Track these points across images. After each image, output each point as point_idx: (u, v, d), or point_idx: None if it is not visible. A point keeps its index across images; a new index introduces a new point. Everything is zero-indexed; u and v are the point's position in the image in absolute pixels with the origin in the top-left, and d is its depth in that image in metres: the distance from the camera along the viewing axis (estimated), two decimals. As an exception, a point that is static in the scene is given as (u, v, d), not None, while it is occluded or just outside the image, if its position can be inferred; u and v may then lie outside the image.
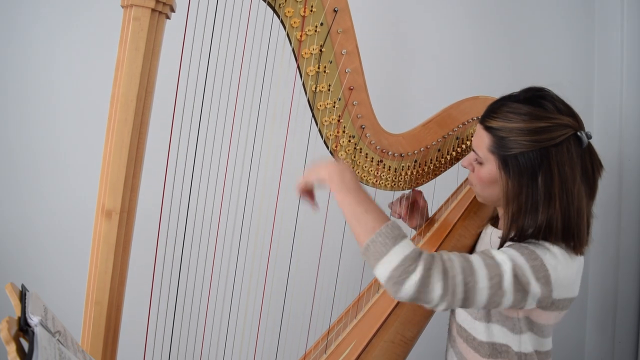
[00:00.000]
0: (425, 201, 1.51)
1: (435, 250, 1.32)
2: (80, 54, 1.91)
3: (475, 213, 1.41)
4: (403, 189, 1.45)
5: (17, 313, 0.74)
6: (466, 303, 0.96)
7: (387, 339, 1.23)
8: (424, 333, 1.28)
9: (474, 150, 1.14)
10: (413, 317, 1.26)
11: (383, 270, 0.94)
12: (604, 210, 2.27)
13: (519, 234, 1.06)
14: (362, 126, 1.30)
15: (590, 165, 1.07)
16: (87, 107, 1.90)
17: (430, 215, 1.56)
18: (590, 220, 1.10)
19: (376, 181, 1.40)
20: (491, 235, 1.27)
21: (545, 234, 1.04)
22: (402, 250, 0.94)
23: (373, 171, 1.38)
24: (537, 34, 2.20)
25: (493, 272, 0.96)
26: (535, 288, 0.98)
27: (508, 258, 0.99)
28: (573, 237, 1.05)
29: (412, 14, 2.11)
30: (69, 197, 1.95)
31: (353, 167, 1.35)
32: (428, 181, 1.47)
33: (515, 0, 2.18)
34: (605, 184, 2.20)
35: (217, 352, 1.39)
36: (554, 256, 1.01)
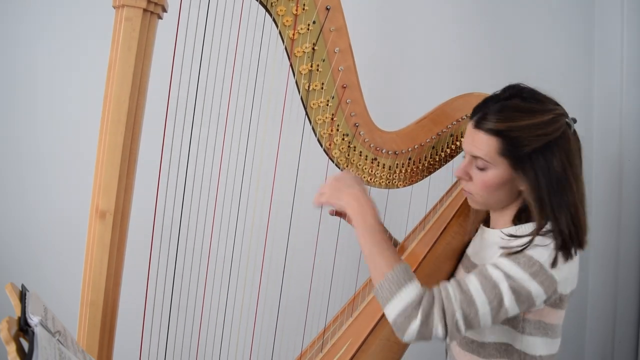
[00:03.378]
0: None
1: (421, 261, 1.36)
2: (72, 54, 1.94)
3: (467, 216, 1.45)
4: (398, 187, 1.48)
5: (17, 313, 0.76)
6: (472, 329, 1.03)
7: (383, 337, 1.26)
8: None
9: (475, 156, 1.14)
10: None
11: (388, 313, 1.03)
12: (604, 210, 2.31)
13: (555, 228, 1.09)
14: (355, 124, 1.34)
15: (578, 147, 1.14)
16: (79, 107, 1.93)
17: (421, 218, 1.60)
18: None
19: (370, 179, 1.43)
20: (494, 236, 1.26)
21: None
22: (405, 296, 1.01)
23: (367, 169, 1.41)
24: (536, 33, 2.24)
25: (492, 295, 1.02)
26: (537, 291, 1.03)
27: (503, 275, 1.04)
28: (582, 227, 1.10)
29: (405, 12, 2.14)
30: (62, 198, 1.98)
31: (347, 165, 1.39)
32: (422, 179, 1.51)
33: (514, -2, 2.22)
34: (605, 184, 2.27)
35: (213, 352, 1.42)
36: (552, 254, 1.05)
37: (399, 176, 1.46)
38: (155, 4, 1.05)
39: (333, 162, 1.38)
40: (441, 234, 1.42)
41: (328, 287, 1.48)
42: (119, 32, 1.04)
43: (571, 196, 1.08)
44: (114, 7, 1.05)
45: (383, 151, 1.40)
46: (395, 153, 1.41)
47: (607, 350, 2.35)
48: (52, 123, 1.97)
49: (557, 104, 1.14)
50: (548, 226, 1.10)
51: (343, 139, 1.35)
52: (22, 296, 0.81)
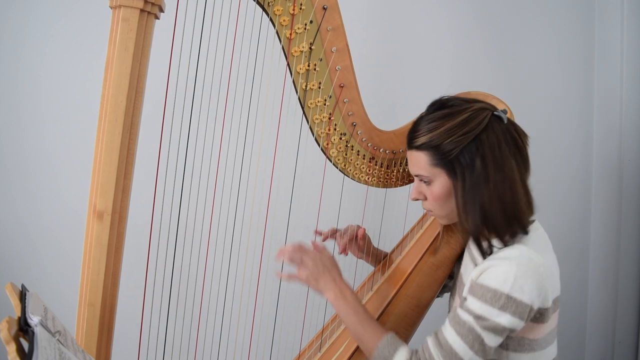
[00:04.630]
0: (365, 238, 1.52)
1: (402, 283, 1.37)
2: (70, 55, 1.95)
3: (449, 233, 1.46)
4: (395, 186, 1.50)
5: (17, 313, 0.77)
6: None
7: None
8: (418, 330, 1.33)
9: (417, 176, 1.18)
10: (406, 315, 1.31)
11: None
12: (604, 210, 2.33)
13: (486, 238, 1.12)
14: (353, 123, 1.35)
15: (517, 135, 1.14)
16: (77, 108, 1.95)
17: (419, 218, 1.61)
18: (529, 189, 1.16)
19: (368, 178, 1.45)
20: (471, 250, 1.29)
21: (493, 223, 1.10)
22: None
23: (365, 168, 1.43)
24: (536, 33, 2.26)
25: (470, 340, 1.05)
26: (511, 321, 1.04)
27: (474, 319, 1.06)
28: (514, 217, 1.11)
29: (404, 11, 2.15)
30: (61, 199, 2.00)
31: (345, 165, 1.40)
32: (420, 178, 1.52)
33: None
34: (605, 184, 2.30)
35: (212, 352, 1.43)
36: (517, 277, 1.04)
37: (396, 175, 1.47)
38: (152, 4, 1.06)
39: (331, 161, 1.40)
40: (438, 234, 1.44)
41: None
42: (116, 33, 1.05)
43: (487, 192, 1.09)
44: (111, 8, 1.07)
45: (381, 150, 1.41)
46: (393, 152, 1.42)
47: (607, 350, 2.37)
48: (50, 123, 1.98)
49: (477, 101, 1.16)
50: (495, 242, 1.13)
51: (340, 138, 1.36)
52: (22, 296, 0.82)
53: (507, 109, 1.17)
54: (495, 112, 1.13)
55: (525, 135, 1.17)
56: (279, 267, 1.42)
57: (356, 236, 1.50)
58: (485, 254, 1.13)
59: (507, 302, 1.03)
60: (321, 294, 1.20)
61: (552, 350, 1.21)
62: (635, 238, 2.28)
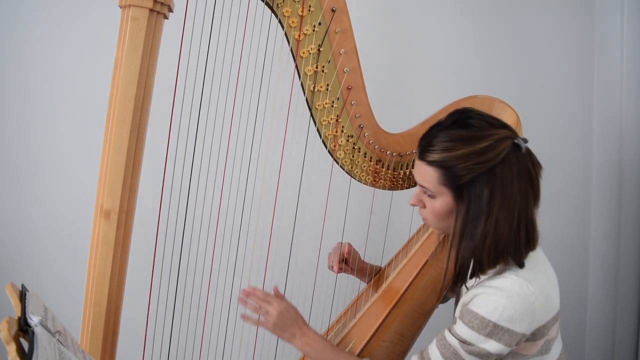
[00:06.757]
0: (350, 254, 1.48)
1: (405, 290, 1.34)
2: (79, 54, 1.93)
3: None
4: (402, 189, 1.47)
5: (17, 313, 0.75)
6: None
7: (386, 339, 1.25)
8: (423, 331, 1.30)
9: (422, 186, 1.11)
10: (412, 316, 1.28)
11: None
12: (604, 210, 2.29)
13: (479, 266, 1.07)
14: (360, 125, 1.32)
15: (532, 167, 1.07)
16: (85, 107, 1.92)
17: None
18: (535, 223, 1.10)
19: (375, 181, 1.42)
20: None
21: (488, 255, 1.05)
22: None
23: (371, 171, 1.40)
24: (536, 34, 2.22)
25: None
26: (496, 347, 1.00)
27: (459, 343, 1.03)
28: (501, 255, 1.05)
29: (411, 14, 2.13)
30: (68, 198, 1.97)
31: (351, 167, 1.38)
32: (426, 181, 1.49)
33: (515, -1, 2.20)
34: (605, 184, 2.26)
35: (217, 352, 1.41)
36: (506, 308, 1.00)
37: (403, 178, 1.44)
38: (162, 4, 1.03)
39: (338, 163, 1.37)
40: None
41: (332, 288, 1.48)
42: (125, 32, 1.03)
43: (486, 226, 1.03)
44: (120, 7, 1.04)
45: (387, 153, 1.38)
46: (399, 155, 1.40)
47: (607, 350, 2.34)
48: (58, 123, 1.96)
49: (501, 127, 1.08)
50: (497, 268, 1.08)
51: (348, 140, 1.34)
52: (22, 296, 0.80)
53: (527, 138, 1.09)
54: (515, 141, 1.05)
55: (539, 166, 1.10)
56: (284, 267, 1.41)
57: (343, 253, 1.46)
58: (473, 276, 1.08)
59: (494, 330, 1.00)
60: (288, 342, 1.21)
61: (554, 354, 1.16)
62: (635, 238, 2.24)
